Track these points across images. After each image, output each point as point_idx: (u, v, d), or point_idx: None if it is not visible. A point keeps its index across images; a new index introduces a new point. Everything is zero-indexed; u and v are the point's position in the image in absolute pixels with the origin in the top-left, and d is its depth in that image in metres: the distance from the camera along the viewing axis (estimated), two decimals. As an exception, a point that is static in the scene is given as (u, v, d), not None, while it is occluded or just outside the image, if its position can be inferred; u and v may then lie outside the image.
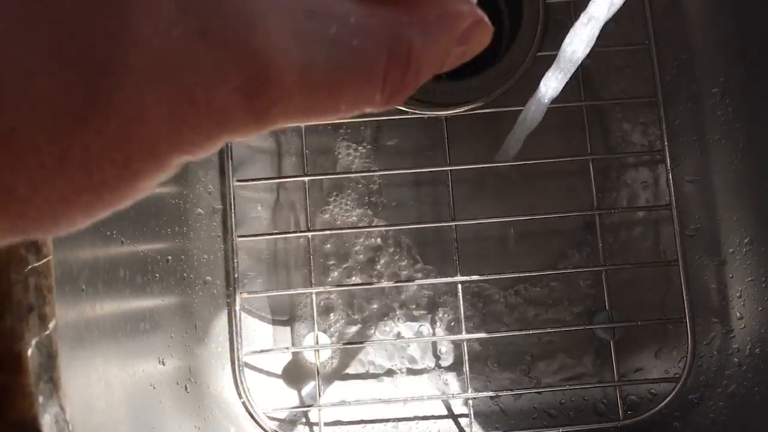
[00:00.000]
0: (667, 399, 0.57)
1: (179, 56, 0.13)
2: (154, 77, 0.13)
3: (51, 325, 0.29)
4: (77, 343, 0.34)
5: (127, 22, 0.13)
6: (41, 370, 0.27)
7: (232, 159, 0.58)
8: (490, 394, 0.57)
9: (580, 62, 0.45)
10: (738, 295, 0.57)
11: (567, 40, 0.43)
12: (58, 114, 0.12)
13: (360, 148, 0.61)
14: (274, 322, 0.59)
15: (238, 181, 0.58)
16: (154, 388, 0.44)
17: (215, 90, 0.14)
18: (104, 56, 0.13)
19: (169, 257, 0.50)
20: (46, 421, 0.27)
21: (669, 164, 0.59)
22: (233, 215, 0.58)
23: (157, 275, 0.47)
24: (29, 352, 0.27)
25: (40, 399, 0.27)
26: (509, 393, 0.58)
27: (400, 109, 0.58)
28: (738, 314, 0.57)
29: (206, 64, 0.13)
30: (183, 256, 0.53)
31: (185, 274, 0.53)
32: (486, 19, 0.18)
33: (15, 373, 0.26)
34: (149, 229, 0.46)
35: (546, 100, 0.47)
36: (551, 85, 0.46)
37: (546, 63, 0.46)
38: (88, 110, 0.13)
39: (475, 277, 0.58)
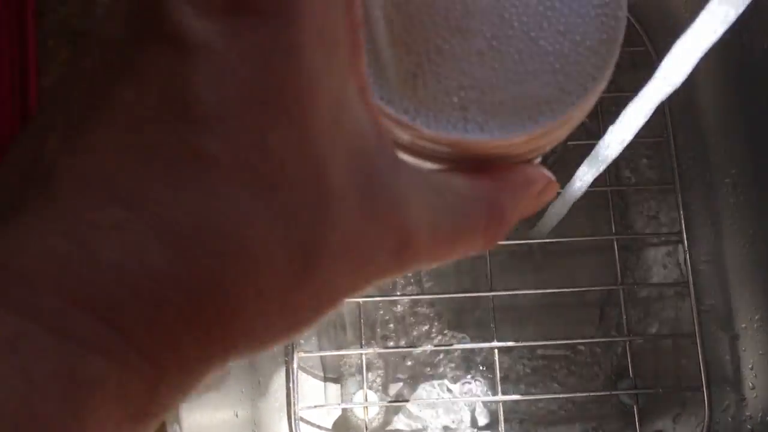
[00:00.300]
0: (686, 462, 0.62)
1: (358, 233, 0.17)
2: (343, 249, 0.17)
3: None
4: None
5: (328, 211, 0.17)
6: None
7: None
8: (523, 452, 0.62)
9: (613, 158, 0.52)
10: (750, 366, 0.63)
11: (603, 142, 0.50)
12: (283, 279, 0.16)
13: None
14: (326, 379, 0.65)
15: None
16: (233, 437, 0.50)
17: (378, 253, 0.18)
18: (314, 237, 0.16)
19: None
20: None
21: (686, 245, 0.65)
22: (293, 281, 0.64)
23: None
24: None
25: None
26: (540, 452, 0.63)
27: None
28: (750, 384, 0.63)
29: (373, 235, 0.17)
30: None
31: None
32: (554, 178, 0.23)
33: None
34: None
35: (579, 192, 0.54)
36: (586, 179, 0.52)
37: (577, 151, 0.53)
38: (301, 275, 0.16)
39: (510, 343, 0.64)
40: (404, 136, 0.21)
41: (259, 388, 0.59)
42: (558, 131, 0.22)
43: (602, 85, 0.21)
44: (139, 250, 0.14)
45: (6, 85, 0.27)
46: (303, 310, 0.17)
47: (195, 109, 0.15)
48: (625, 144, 0.48)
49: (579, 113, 0.21)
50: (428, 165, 0.22)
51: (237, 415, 0.52)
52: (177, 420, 0.36)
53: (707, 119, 0.68)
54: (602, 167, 0.53)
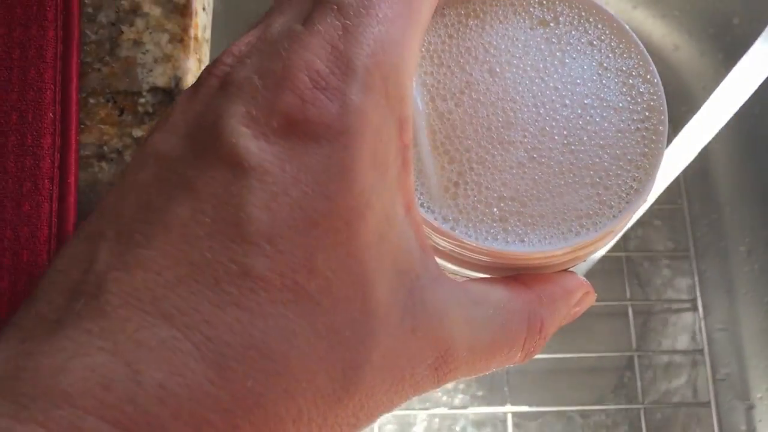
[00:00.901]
0: None
1: (400, 349, 0.17)
2: (383, 367, 0.17)
3: None
4: None
5: (372, 330, 0.17)
6: None
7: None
8: None
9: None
10: (767, 438, 0.62)
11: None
12: (324, 398, 0.16)
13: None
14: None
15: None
16: None
17: (417, 368, 0.18)
18: (356, 356, 0.16)
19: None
20: None
21: (701, 312, 0.65)
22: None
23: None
24: None
25: None
26: None
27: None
28: (767, 457, 0.62)
29: (413, 351, 0.18)
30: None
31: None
32: (591, 288, 0.23)
33: None
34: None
35: (596, 258, 0.54)
36: (599, 253, 0.53)
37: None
38: (342, 394, 0.17)
39: (524, 408, 0.63)
40: (445, 244, 0.21)
41: None
42: (598, 243, 0.21)
43: (644, 197, 0.21)
44: (183, 369, 0.15)
45: (47, 142, 0.28)
46: (342, 426, 0.17)
47: (247, 229, 0.16)
48: (641, 211, 0.49)
49: (620, 225, 0.21)
50: (468, 272, 0.22)
51: None
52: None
53: (722, 187, 0.69)
54: (614, 241, 0.53)
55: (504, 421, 0.63)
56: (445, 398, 0.65)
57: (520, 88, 0.21)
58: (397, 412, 0.64)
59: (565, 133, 0.21)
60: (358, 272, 0.16)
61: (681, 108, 0.68)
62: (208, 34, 0.35)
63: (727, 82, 0.37)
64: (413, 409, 0.64)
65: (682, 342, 0.67)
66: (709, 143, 0.46)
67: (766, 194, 0.65)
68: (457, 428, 0.65)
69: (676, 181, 0.68)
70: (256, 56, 0.17)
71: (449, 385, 0.65)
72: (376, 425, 0.62)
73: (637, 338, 0.65)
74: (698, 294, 0.66)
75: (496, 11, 0.22)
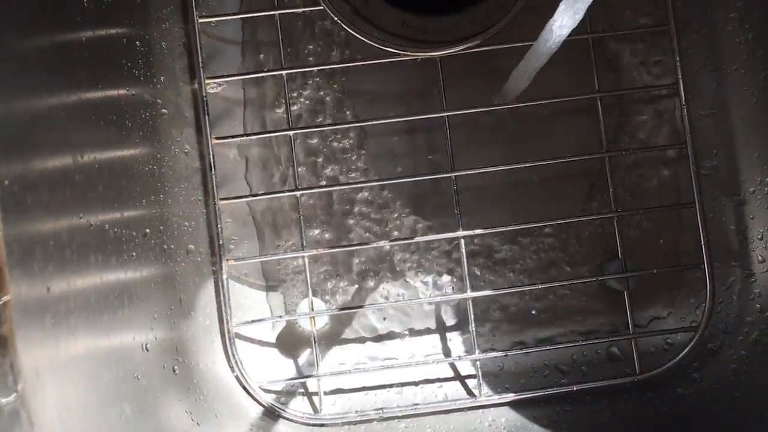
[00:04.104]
0: (686, 350, 0.54)
1: None
2: None
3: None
4: (39, 329, 0.30)
5: None
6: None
7: (208, 114, 0.53)
8: (499, 354, 0.54)
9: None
10: (759, 236, 0.54)
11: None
12: None
13: (349, 95, 0.56)
14: (267, 288, 0.55)
15: (217, 138, 0.53)
16: (138, 378, 0.40)
17: None
18: None
19: (147, 230, 0.46)
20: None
21: (683, 98, 0.55)
22: (214, 176, 0.53)
23: (134, 253, 0.42)
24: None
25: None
26: (518, 352, 0.55)
27: (392, 51, 0.52)
28: (760, 257, 0.54)
29: None
30: (161, 227, 0.48)
31: (165, 246, 0.49)
32: None
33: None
34: (121, 204, 0.42)
35: (554, 44, 0.42)
36: (565, 24, 0.40)
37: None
38: None
39: (478, 231, 0.54)
40: None
41: (180, 307, 0.50)
42: None
43: None
44: None
45: None
46: None
47: None
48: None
49: None
50: None
51: (146, 349, 0.43)
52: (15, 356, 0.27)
53: (707, -60, 0.55)
54: (582, 10, 0.41)
55: (456, 248, 0.54)
56: (386, 227, 0.56)
57: None
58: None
59: None
60: None
61: None
62: None
63: None
64: (351, 245, 0.55)
65: (662, 135, 0.56)
66: None
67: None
68: (402, 262, 0.56)
69: (653, -64, 0.54)
70: None
71: (390, 212, 0.56)
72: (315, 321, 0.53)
73: (609, 136, 0.55)
74: (679, 76, 0.55)
75: None
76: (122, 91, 0.44)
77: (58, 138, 0.34)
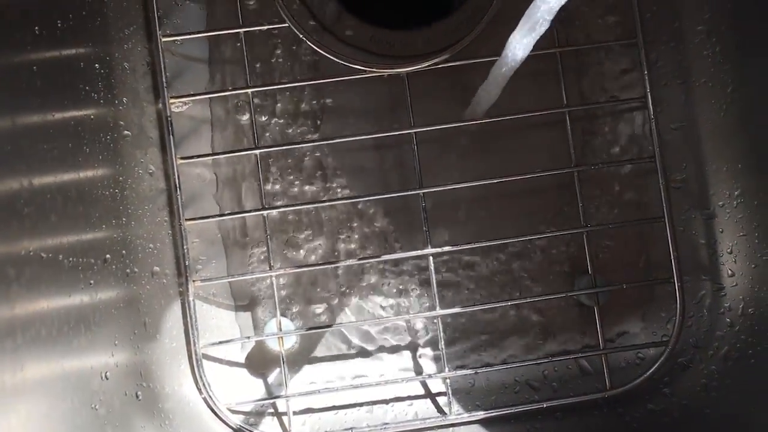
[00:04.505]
0: (657, 364, 0.53)
1: None
2: None
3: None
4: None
5: None
6: None
7: (173, 134, 0.53)
8: (469, 372, 0.54)
9: (554, 14, 0.40)
10: (729, 250, 0.54)
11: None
12: None
13: (315, 112, 0.55)
14: (236, 308, 0.55)
15: (182, 158, 0.53)
16: (96, 408, 0.40)
17: None
18: None
19: (107, 255, 0.45)
20: None
21: (652, 112, 0.54)
22: (180, 197, 0.52)
23: (92, 281, 0.42)
24: None
25: None
26: (489, 369, 0.54)
27: (358, 68, 0.52)
28: (729, 271, 0.54)
29: None
30: (124, 251, 0.48)
31: (128, 270, 0.48)
32: None
33: None
34: (78, 231, 0.41)
35: (517, 60, 0.42)
36: (522, 44, 0.40)
37: (516, 5, 0.40)
38: None
39: (446, 248, 0.54)
40: None
41: (144, 331, 0.49)
42: None
43: None
44: None
45: None
46: None
47: None
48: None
49: None
50: None
51: (106, 377, 0.42)
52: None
53: (674, -48, 0.55)
54: (543, 27, 0.41)
55: (425, 266, 0.54)
56: (354, 245, 0.55)
57: None
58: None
59: None
60: None
61: None
62: None
63: None
64: (319, 264, 0.54)
65: (630, 149, 0.56)
66: None
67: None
68: (371, 280, 0.55)
69: (619, -51, 0.54)
70: None
71: (358, 229, 0.55)
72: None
73: (577, 151, 0.55)
74: (648, 89, 0.54)
75: None
76: (79, 115, 0.44)
77: (2, 166, 0.34)
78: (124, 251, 0.48)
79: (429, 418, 0.53)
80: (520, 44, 0.41)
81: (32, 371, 0.34)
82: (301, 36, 0.51)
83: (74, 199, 0.41)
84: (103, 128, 0.47)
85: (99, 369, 0.41)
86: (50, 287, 0.37)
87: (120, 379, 0.44)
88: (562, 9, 0.39)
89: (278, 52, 0.55)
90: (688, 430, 0.51)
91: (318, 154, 0.55)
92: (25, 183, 0.35)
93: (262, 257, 0.54)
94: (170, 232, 0.53)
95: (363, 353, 0.55)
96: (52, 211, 0.38)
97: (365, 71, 0.52)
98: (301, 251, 0.55)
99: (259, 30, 0.54)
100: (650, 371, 0.53)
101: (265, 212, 0.53)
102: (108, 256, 0.45)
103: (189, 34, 0.54)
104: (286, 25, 0.51)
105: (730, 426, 0.49)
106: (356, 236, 0.55)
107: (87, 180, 0.44)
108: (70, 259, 0.39)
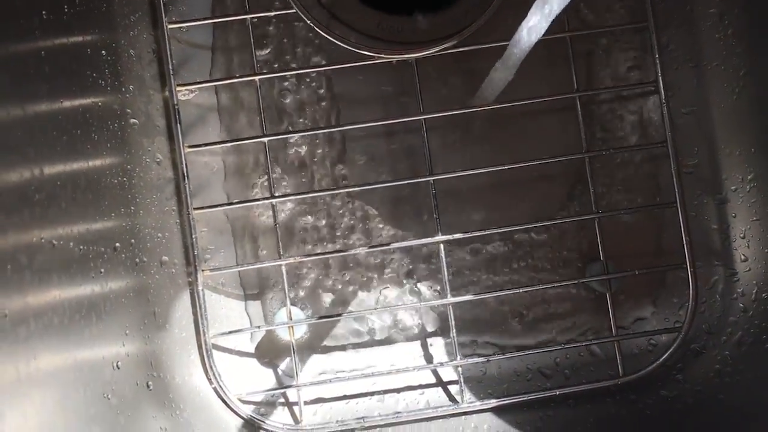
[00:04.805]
0: (669, 351, 0.53)
1: None
2: None
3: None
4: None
5: None
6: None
7: (180, 122, 0.52)
8: (480, 360, 0.53)
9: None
10: (742, 235, 0.53)
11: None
12: None
13: (323, 100, 0.55)
14: (246, 297, 0.54)
15: (190, 146, 0.52)
16: (109, 398, 0.39)
17: None
18: None
19: (117, 244, 0.45)
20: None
21: (663, 96, 0.54)
22: (188, 186, 0.52)
23: (102, 270, 0.41)
24: None
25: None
26: (500, 357, 0.54)
27: (367, 54, 0.51)
28: (742, 256, 0.53)
29: None
30: (133, 240, 0.47)
31: (137, 259, 0.48)
32: None
33: None
34: (87, 219, 0.41)
35: (529, 44, 0.41)
36: (536, 26, 0.40)
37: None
38: None
39: (457, 236, 0.53)
40: None
41: (154, 321, 0.49)
42: None
43: None
44: None
45: None
46: None
47: None
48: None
49: None
50: None
51: (117, 367, 0.42)
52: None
53: (685, -66, 0.54)
54: (555, 13, 0.40)
55: (436, 254, 0.54)
56: (364, 233, 0.55)
57: None
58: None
59: None
60: None
61: None
62: None
63: None
64: (329, 253, 0.54)
65: (642, 134, 0.56)
66: None
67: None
68: (381, 268, 0.55)
69: (630, -69, 0.53)
70: None
71: (368, 218, 0.55)
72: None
73: (588, 136, 0.54)
74: (659, 74, 0.54)
75: None
76: (87, 102, 0.43)
77: (14, 154, 0.33)
78: (133, 240, 0.47)
79: (441, 407, 0.53)
80: (533, 28, 0.41)
81: (45, 360, 0.33)
82: (308, 22, 0.50)
83: (83, 188, 0.40)
84: (110, 116, 0.47)
85: (110, 359, 0.41)
86: (61, 276, 0.36)
87: (131, 369, 0.43)
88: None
89: (285, 38, 0.55)
90: (702, 416, 0.50)
91: (327, 141, 0.55)
92: (36, 171, 0.35)
93: (272, 246, 0.54)
94: (178, 221, 0.52)
95: (374, 342, 0.55)
96: (62, 199, 0.37)
97: (373, 57, 0.52)
98: (311, 240, 0.54)
99: (266, 16, 0.54)
100: (663, 357, 0.53)
101: (273, 200, 0.53)
102: (117, 244, 0.45)
103: (195, 20, 0.53)
104: (293, 11, 0.50)
105: (744, 411, 0.49)
106: (366, 224, 0.55)
107: (96, 168, 0.43)
108: (81, 247, 0.39)
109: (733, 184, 0.53)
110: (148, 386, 0.46)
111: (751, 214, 0.52)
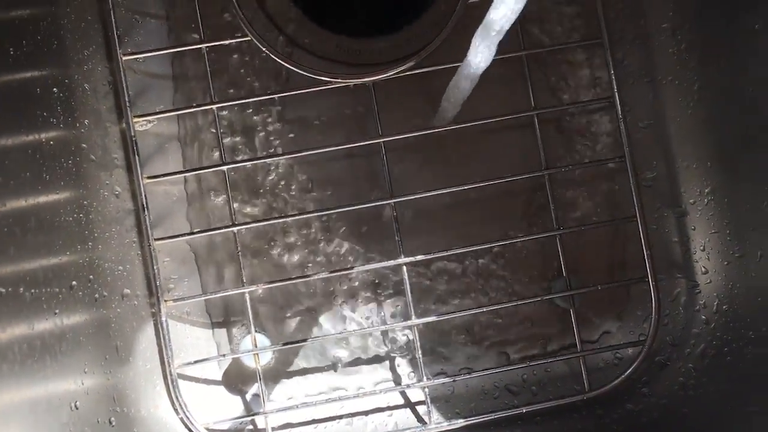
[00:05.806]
0: (634, 364, 0.53)
1: None
2: None
3: None
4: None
5: None
6: None
7: (138, 154, 0.52)
8: (446, 380, 0.53)
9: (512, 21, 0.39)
10: (702, 248, 0.53)
11: (492, 12, 0.37)
12: None
13: (281, 125, 0.55)
14: (212, 325, 0.54)
15: (149, 177, 0.52)
16: (65, 440, 0.39)
17: None
18: None
19: (73, 282, 0.45)
20: None
21: (620, 111, 0.54)
22: (148, 217, 0.52)
23: (57, 310, 0.41)
24: None
25: None
26: (467, 377, 0.54)
27: (324, 79, 0.51)
28: (703, 268, 0.53)
29: None
30: (91, 275, 0.47)
31: (97, 295, 0.47)
32: None
33: None
34: (39, 260, 0.41)
35: (482, 66, 0.41)
36: (482, 53, 0.40)
37: (483, 9, 0.39)
38: None
39: (419, 257, 0.53)
40: None
41: (116, 355, 0.49)
42: None
43: None
44: None
45: None
46: None
47: None
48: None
49: None
50: None
51: (76, 407, 0.42)
52: None
53: (636, -50, 0.55)
54: (501, 34, 0.40)
55: (399, 276, 0.54)
56: (326, 258, 0.55)
57: None
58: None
59: None
60: None
61: None
62: None
63: None
64: (291, 279, 0.54)
65: (600, 149, 0.56)
66: None
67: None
68: (344, 292, 0.55)
69: (581, -51, 0.54)
70: None
71: (329, 241, 0.55)
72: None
73: (547, 153, 0.54)
74: (615, 89, 0.54)
75: None
76: (36, 140, 0.43)
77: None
78: (91, 276, 0.47)
79: (409, 428, 0.53)
80: (480, 50, 0.41)
81: (-6, 409, 0.33)
82: (263, 49, 0.50)
83: (34, 229, 0.40)
84: (63, 153, 0.47)
85: (67, 400, 0.41)
86: (11, 321, 0.36)
87: (91, 407, 0.43)
88: (526, 11, 0.38)
89: (243, 65, 0.55)
90: (668, 429, 0.51)
91: (287, 167, 0.55)
92: (-20, 218, 0.35)
93: (235, 273, 0.54)
94: (140, 252, 0.52)
95: (340, 365, 0.55)
96: (10, 243, 0.37)
97: (331, 82, 0.52)
98: (274, 266, 0.55)
99: (222, 44, 0.54)
100: (628, 371, 0.53)
101: (235, 228, 0.53)
102: (74, 282, 0.45)
103: (150, 51, 0.53)
104: (249, 38, 0.50)
105: (709, 424, 0.49)
106: (329, 248, 0.55)
107: (48, 207, 0.43)
108: (32, 291, 0.39)
109: (691, 197, 0.54)
110: (110, 422, 0.45)
111: (709, 226, 0.53)
